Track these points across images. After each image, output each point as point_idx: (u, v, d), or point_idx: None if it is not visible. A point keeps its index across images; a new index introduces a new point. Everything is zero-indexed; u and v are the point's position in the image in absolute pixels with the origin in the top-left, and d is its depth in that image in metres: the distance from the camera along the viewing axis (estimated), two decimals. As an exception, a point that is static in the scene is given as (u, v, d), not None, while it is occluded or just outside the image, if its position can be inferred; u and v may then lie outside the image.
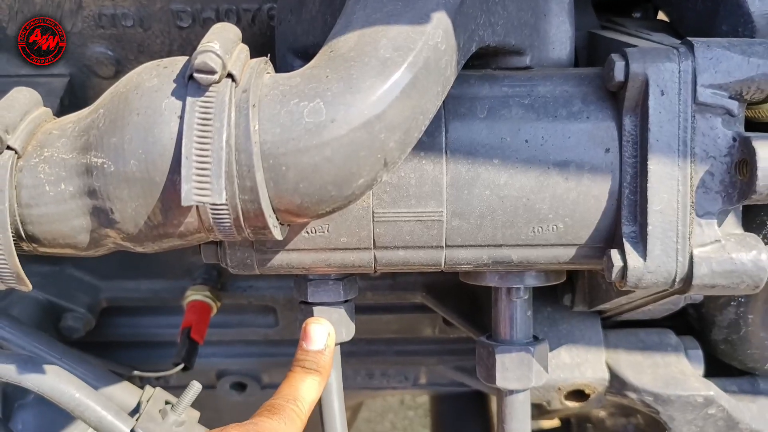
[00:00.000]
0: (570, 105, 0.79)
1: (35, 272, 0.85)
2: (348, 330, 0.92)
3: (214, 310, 1.19)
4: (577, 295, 1.00)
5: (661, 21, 1.02)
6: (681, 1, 0.90)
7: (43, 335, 0.96)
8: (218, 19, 1.00)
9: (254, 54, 1.02)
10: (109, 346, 1.32)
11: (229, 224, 0.61)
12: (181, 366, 1.09)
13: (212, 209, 0.59)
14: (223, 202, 0.57)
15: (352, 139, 0.61)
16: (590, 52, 0.96)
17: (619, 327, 1.09)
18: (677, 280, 0.76)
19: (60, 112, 1.02)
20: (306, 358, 0.82)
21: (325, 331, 0.85)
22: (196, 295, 1.18)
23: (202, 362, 1.30)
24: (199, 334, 1.14)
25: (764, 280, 0.76)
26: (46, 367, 0.81)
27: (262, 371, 1.38)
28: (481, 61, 0.83)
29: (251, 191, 0.59)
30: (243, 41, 1.01)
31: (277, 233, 0.64)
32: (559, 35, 0.85)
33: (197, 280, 1.21)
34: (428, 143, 0.77)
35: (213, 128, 0.57)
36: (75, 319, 1.20)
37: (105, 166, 0.59)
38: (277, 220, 0.64)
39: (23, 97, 0.65)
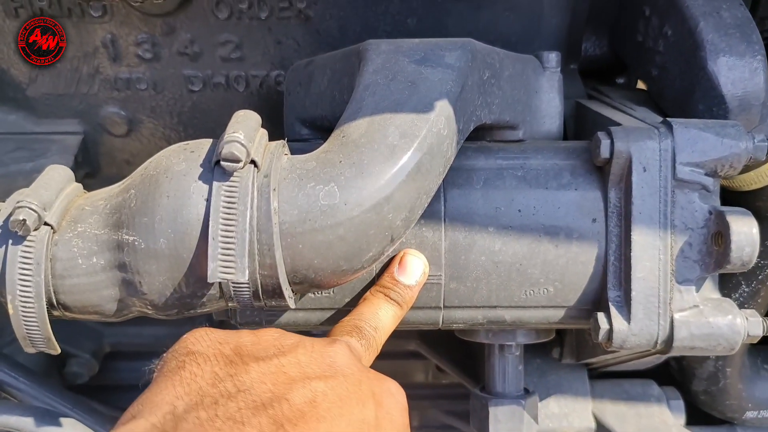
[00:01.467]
0: (560, 177, 0.85)
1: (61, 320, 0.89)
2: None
3: (216, 357, 1.23)
4: (566, 348, 1.06)
5: (643, 91, 1.09)
6: (661, 78, 0.97)
7: (54, 385, 0.99)
8: (228, 85, 1.06)
9: (262, 117, 1.08)
10: (112, 390, 1.35)
11: (248, 296, 0.66)
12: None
13: (234, 284, 0.65)
14: (246, 280, 0.62)
15: (363, 220, 0.66)
16: (577, 122, 1.03)
17: (604, 377, 1.14)
18: (659, 342, 0.82)
19: (74, 168, 1.08)
20: (394, 288, 0.78)
21: (422, 267, 0.80)
22: (198, 342, 1.22)
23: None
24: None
25: (739, 343, 0.82)
26: (62, 420, 0.85)
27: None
28: (477, 134, 0.89)
29: (270, 268, 0.65)
30: (251, 106, 1.09)
31: (292, 303, 0.69)
32: (550, 110, 0.92)
33: (200, 326, 1.25)
34: (428, 212, 0.82)
35: (238, 211, 0.62)
36: (80, 364, 1.23)
37: (136, 243, 0.64)
38: (292, 291, 0.69)
39: (58, 174, 0.70)
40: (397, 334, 1.28)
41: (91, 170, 1.13)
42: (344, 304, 0.85)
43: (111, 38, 1.02)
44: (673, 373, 1.15)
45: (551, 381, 1.10)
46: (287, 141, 0.94)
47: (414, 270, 0.79)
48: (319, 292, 0.84)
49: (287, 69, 1.03)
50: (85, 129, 1.10)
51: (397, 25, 1.02)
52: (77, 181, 1.11)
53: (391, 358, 1.34)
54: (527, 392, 0.98)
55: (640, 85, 1.18)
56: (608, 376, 1.13)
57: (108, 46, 1.03)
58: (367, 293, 0.78)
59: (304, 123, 0.92)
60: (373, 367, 1.34)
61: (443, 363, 1.26)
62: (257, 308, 0.83)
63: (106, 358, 1.30)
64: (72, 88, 1.06)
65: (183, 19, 1.01)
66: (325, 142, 0.92)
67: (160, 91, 1.07)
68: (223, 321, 1.26)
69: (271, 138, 1.10)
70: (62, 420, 0.84)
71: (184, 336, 0.60)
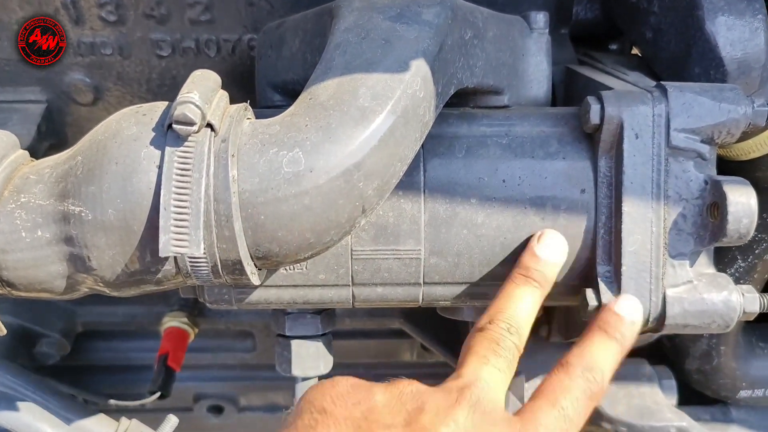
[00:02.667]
0: (547, 145, 0.80)
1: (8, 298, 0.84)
2: (326, 363, 0.93)
3: (192, 337, 1.19)
4: (554, 327, 1.01)
5: (636, 56, 1.03)
6: (655, 41, 0.91)
7: (16, 367, 0.95)
8: (198, 50, 1.00)
9: (235, 84, 1.03)
10: (85, 371, 1.31)
11: (207, 272, 0.61)
12: (158, 395, 1.08)
13: (190, 259, 0.59)
14: (201, 253, 0.57)
15: (330, 188, 0.61)
16: (567, 88, 0.97)
17: (594, 356, 1.10)
18: (650, 319, 0.78)
19: (37, 139, 1.02)
20: (534, 267, 0.74)
21: (564, 246, 0.76)
22: (173, 321, 1.18)
23: (178, 385, 1.28)
24: (176, 361, 1.13)
25: (735, 320, 0.77)
26: (20, 404, 0.80)
27: (239, 394, 1.38)
28: (459, 100, 0.84)
29: (229, 240, 0.60)
30: (222, 71, 1.02)
31: (255, 279, 0.64)
32: (537, 74, 0.87)
33: (174, 305, 1.21)
34: (407, 182, 0.77)
35: (192, 179, 0.57)
36: (49, 344, 1.18)
37: (82, 214, 0.59)
38: (255, 266, 0.64)
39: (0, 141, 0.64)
40: (379, 312, 1.26)
41: (57, 141, 1.07)
42: (318, 281, 0.81)
43: (72, -1, 0.96)
44: (666, 352, 1.11)
45: (539, 360, 1.05)
46: (259, 108, 0.89)
47: (557, 246, 0.75)
48: (291, 268, 0.79)
49: (260, 32, 0.97)
50: (48, 97, 1.04)
51: (376, -15, 0.96)
52: (42, 152, 1.07)
53: (375, 337, 1.30)
54: (513, 372, 0.93)
55: (635, 52, 1.13)
56: (598, 355, 1.09)
57: (69, 7, 0.97)
58: (505, 282, 0.74)
59: (276, 88, 0.87)
60: (357, 346, 1.31)
61: (428, 342, 1.22)
62: (224, 286, 0.79)
63: (79, 337, 1.26)
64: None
65: (148, -22, 0.95)
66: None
67: (127, 57, 1.01)
68: (192, 299, 1.23)
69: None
70: (20, 405, 0.80)
71: (326, 385, 0.62)
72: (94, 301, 1.24)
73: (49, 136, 1.05)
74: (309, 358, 0.90)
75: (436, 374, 1.34)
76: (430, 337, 1.23)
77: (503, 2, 0.98)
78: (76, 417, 0.91)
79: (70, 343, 1.22)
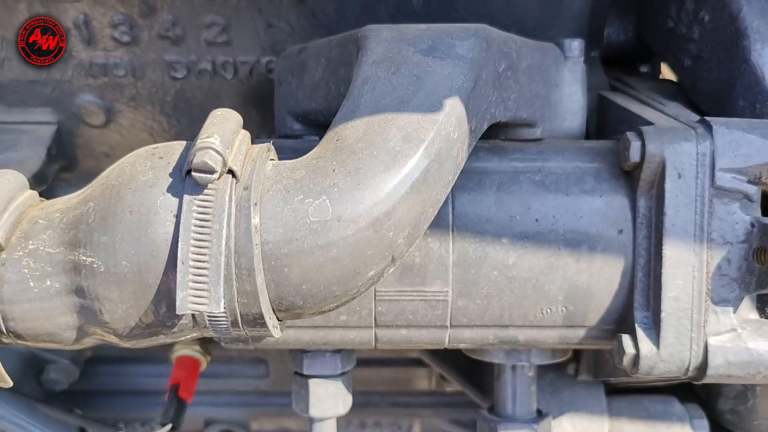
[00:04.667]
0: (582, 182, 0.75)
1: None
2: (345, 403, 0.89)
3: (204, 365, 1.15)
4: (582, 365, 0.97)
5: (671, 82, 0.99)
6: (695, 69, 0.87)
7: (21, 400, 0.91)
8: (214, 71, 0.97)
9: (252, 107, 0.99)
10: (94, 395, 1.27)
11: (226, 326, 0.57)
12: (169, 427, 1.04)
13: (209, 315, 0.55)
14: (221, 311, 0.53)
15: (359, 239, 0.57)
16: (600, 116, 0.93)
17: (622, 392, 1.05)
18: (691, 369, 0.73)
19: (47, 161, 0.99)
20: None
21: None
22: (185, 349, 1.14)
23: (189, 410, 1.25)
24: (188, 391, 1.09)
25: (782, 371, 0.73)
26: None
27: (251, 420, 1.34)
28: (490, 132, 0.79)
29: (251, 295, 0.56)
30: (240, 94, 0.99)
31: (277, 333, 0.60)
32: (571, 105, 0.83)
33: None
34: (435, 219, 0.73)
35: (211, 230, 0.53)
36: (58, 371, 1.15)
37: (94, 265, 0.55)
38: (278, 319, 0.60)
39: (7, 182, 0.60)
40: (398, 342, 1.22)
41: (67, 163, 1.04)
42: (340, 322, 0.77)
43: (84, 19, 0.93)
44: (697, 390, 1.07)
45: (565, 398, 1.01)
46: (278, 137, 0.85)
47: None
48: (312, 309, 0.75)
49: (279, 55, 0.93)
50: (59, 118, 1.01)
51: (400, 7, 0.92)
52: (52, 175, 1.03)
53: (392, 365, 1.26)
54: (540, 414, 0.89)
55: (666, 72, 1.08)
56: (626, 392, 1.05)
57: (81, 27, 0.93)
58: None
59: (297, 117, 0.83)
60: (373, 374, 1.27)
61: (446, 371, 1.18)
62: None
63: (88, 363, 1.22)
64: (43, 74, 0.96)
65: (164, -2, 0.91)
66: (319, 138, 0.84)
67: (140, 78, 0.97)
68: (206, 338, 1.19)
69: (262, 129, 1.02)
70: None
71: None
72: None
73: (60, 159, 1.01)
74: (327, 398, 0.87)
75: (454, 404, 1.30)
76: (448, 367, 1.18)
77: (534, 26, 0.93)
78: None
79: (79, 369, 1.18)
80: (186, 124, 1.00)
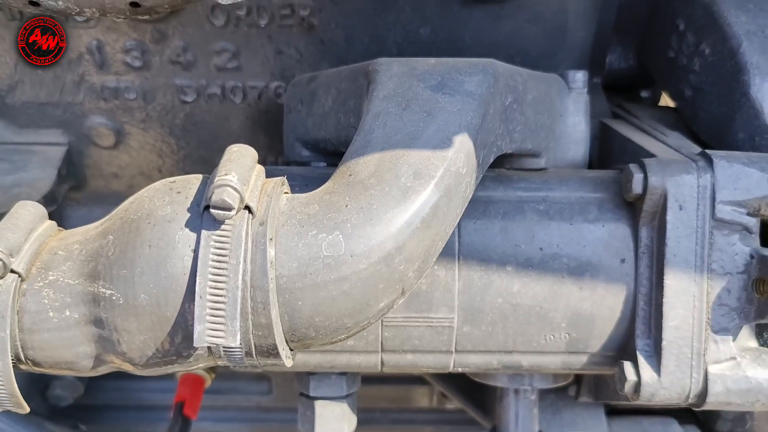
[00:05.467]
0: (586, 212, 0.77)
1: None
2: (350, 425, 0.90)
3: (209, 382, 1.16)
4: (583, 387, 0.99)
5: (672, 110, 1.00)
6: (695, 100, 0.89)
7: (29, 416, 0.92)
8: (224, 96, 0.98)
9: (261, 131, 1.01)
10: (98, 410, 1.28)
11: (240, 357, 0.59)
12: (174, 444, 1.06)
13: (225, 347, 0.57)
14: (238, 344, 0.54)
15: (371, 273, 0.58)
16: (602, 145, 0.95)
17: (622, 413, 1.07)
18: (691, 396, 0.75)
19: (57, 182, 1.00)
20: None
21: None
22: (190, 366, 1.15)
23: (193, 426, 1.26)
24: (193, 409, 1.10)
25: (779, 400, 0.75)
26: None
27: (253, 435, 1.35)
28: (495, 160, 0.81)
29: (265, 327, 0.57)
30: (249, 118, 1.01)
31: (289, 363, 0.61)
32: (575, 135, 0.84)
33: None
34: (441, 247, 0.75)
35: (229, 265, 0.55)
36: (63, 387, 1.16)
37: (114, 297, 0.57)
38: (290, 349, 0.61)
39: (28, 213, 0.62)
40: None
41: (77, 183, 1.05)
42: (347, 347, 0.78)
43: (97, 44, 0.94)
44: (696, 412, 1.08)
45: (566, 419, 1.03)
46: (286, 162, 0.87)
47: None
48: (320, 334, 0.77)
49: (288, 80, 0.95)
50: (69, 140, 1.02)
51: (408, 36, 0.94)
52: (62, 195, 1.05)
53: (393, 382, 1.27)
54: (542, 436, 0.91)
55: (665, 98, 1.10)
56: (626, 413, 1.06)
57: (94, 52, 0.95)
58: None
59: (306, 144, 0.84)
60: (375, 391, 1.29)
61: (447, 389, 1.19)
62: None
63: (93, 378, 1.22)
64: (55, 97, 0.98)
65: (175, 25, 0.93)
66: (326, 165, 0.85)
67: (150, 102, 0.99)
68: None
69: (269, 152, 1.03)
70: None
71: None
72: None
73: (69, 179, 1.03)
74: (333, 419, 0.88)
75: (455, 421, 1.31)
76: (450, 386, 1.19)
77: (538, 55, 0.95)
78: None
79: (84, 385, 1.20)
80: (195, 146, 1.02)
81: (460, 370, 0.81)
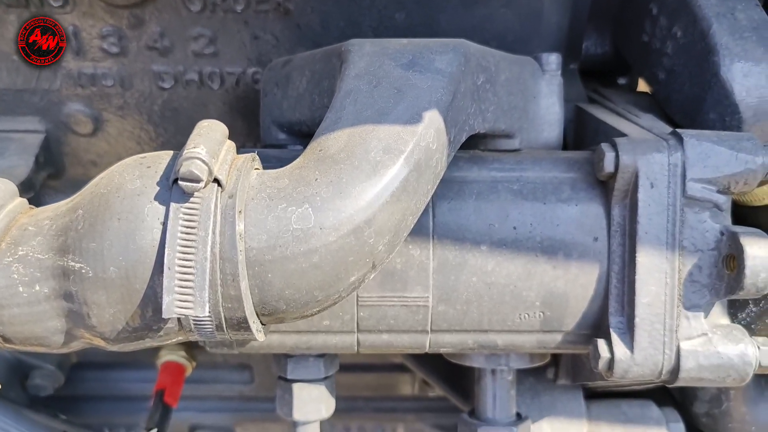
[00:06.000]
0: (559, 191, 0.78)
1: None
2: (328, 407, 0.91)
3: (189, 371, 1.16)
4: (561, 369, 0.99)
5: (648, 95, 1.01)
6: (668, 83, 0.90)
7: (8, 405, 0.92)
8: (201, 82, 0.98)
9: (238, 116, 1.01)
10: (79, 401, 1.28)
11: (210, 330, 0.59)
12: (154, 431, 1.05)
13: (194, 319, 0.57)
14: (206, 314, 0.55)
15: (341, 246, 0.59)
16: (577, 128, 0.95)
17: (601, 396, 1.07)
18: (664, 372, 0.76)
19: (35, 169, 1.00)
20: None
21: None
22: (170, 354, 1.15)
23: (174, 416, 1.25)
24: (173, 397, 1.10)
25: (750, 375, 0.75)
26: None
27: (236, 426, 1.35)
28: (469, 142, 0.81)
29: (235, 300, 0.57)
30: (227, 104, 1.01)
31: (261, 336, 0.61)
32: (549, 117, 0.85)
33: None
34: (415, 227, 0.75)
35: (197, 237, 0.55)
36: (43, 376, 1.15)
37: (83, 271, 0.57)
38: (261, 323, 0.62)
39: (-2, 190, 0.62)
40: (381, 348, 1.23)
41: (55, 171, 1.05)
42: (323, 327, 0.78)
43: (73, 30, 0.94)
44: (674, 394, 1.09)
45: (544, 402, 1.03)
46: (263, 146, 0.87)
47: None
48: (296, 314, 0.77)
49: (265, 66, 0.95)
50: (47, 127, 1.02)
51: (383, 21, 0.94)
52: (39, 183, 1.04)
53: (376, 370, 1.28)
54: (519, 417, 0.91)
55: (643, 85, 1.11)
56: (605, 396, 1.07)
57: (70, 38, 0.95)
58: None
59: (281, 127, 0.85)
60: (357, 379, 1.29)
61: (429, 376, 1.19)
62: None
63: (74, 368, 1.23)
64: (32, 83, 0.98)
65: (152, 10, 0.93)
66: (303, 148, 0.85)
67: (128, 88, 0.99)
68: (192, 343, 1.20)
69: (247, 138, 1.03)
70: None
71: None
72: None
73: (47, 167, 1.03)
74: (311, 402, 0.88)
75: (437, 409, 1.31)
76: (431, 372, 1.20)
77: (513, 39, 0.96)
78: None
79: (65, 375, 1.19)
80: (173, 132, 1.02)
81: (436, 350, 0.82)
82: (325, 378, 0.89)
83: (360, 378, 1.27)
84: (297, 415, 0.89)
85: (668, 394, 1.10)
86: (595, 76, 1.11)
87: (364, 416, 1.34)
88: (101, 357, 1.24)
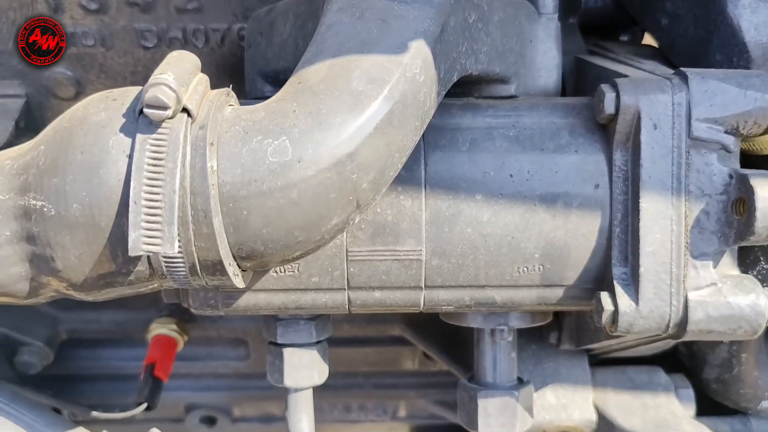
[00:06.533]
0: (557, 137, 0.74)
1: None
2: (321, 373, 0.87)
3: (181, 345, 1.13)
4: (564, 333, 0.96)
5: (650, 46, 0.97)
6: (671, 28, 0.86)
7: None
8: (185, 40, 0.95)
9: (225, 76, 0.97)
10: (69, 380, 1.25)
11: (184, 273, 0.55)
12: (144, 406, 1.02)
13: (164, 259, 0.53)
14: (176, 252, 0.51)
15: (321, 181, 0.55)
16: (578, 79, 0.91)
17: (607, 364, 1.04)
18: (671, 325, 0.72)
19: (15, 134, 0.97)
20: None
21: None
22: (161, 328, 1.12)
23: (169, 395, 1.23)
24: (164, 370, 1.07)
25: (763, 326, 0.72)
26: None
27: (233, 404, 1.32)
28: (463, 89, 0.78)
29: (208, 238, 0.54)
30: (212, 63, 0.97)
31: (239, 281, 0.58)
32: (546, 62, 0.81)
33: (163, 311, 1.15)
34: (406, 177, 0.72)
35: (165, 169, 0.51)
36: (31, 353, 1.12)
37: (45, 209, 0.53)
38: (239, 267, 0.58)
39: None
40: (379, 318, 1.20)
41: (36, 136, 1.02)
42: (311, 284, 0.75)
43: (51, -14, 0.91)
44: (682, 359, 1.05)
45: (548, 369, 1.00)
46: (249, 99, 0.83)
47: None
48: (282, 270, 0.73)
49: (251, 21, 0.92)
50: (27, 91, 0.99)
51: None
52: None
53: (375, 344, 1.24)
54: (521, 382, 0.88)
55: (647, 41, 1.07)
56: (611, 363, 1.03)
57: (47, -8, 0.91)
58: None
59: (266, 78, 0.81)
60: (356, 354, 1.25)
61: (430, 349, 1.16)
62: (209, 289, 0.73)
63: (63, 345, 1.20)
64: (9, 45, 0.94)
65: (132, -37, 0.90)
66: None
67: (110, 48, 0.96)
68: (175, 305, 1.17)
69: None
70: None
71: None
72: (78, 307, 1.18)
73: (28, 132, 0.99)
74: (302, 367, 0.85)
75: (438, 384, 1.28)
76: (432, 345, 1.17)
77: (509, -10, 0.92)
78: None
79: (54, 352, 1.16)
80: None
81: (432, 308, 0.78)
82: (318, 342, 0.86)
83: (359, 352, 1.24)
84: (288, 381, 0.85)
85: (677, 361, 1.06)
86: (596, 32, 1.07)
87: (365, 393, 1.31)
88: (91, 334, 1.21)
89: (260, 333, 1.22)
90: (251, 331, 1.22)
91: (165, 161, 0.51)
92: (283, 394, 0.89)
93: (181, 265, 0.54)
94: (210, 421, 1.34)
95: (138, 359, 1.21)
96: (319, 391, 0.90)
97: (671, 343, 0.97)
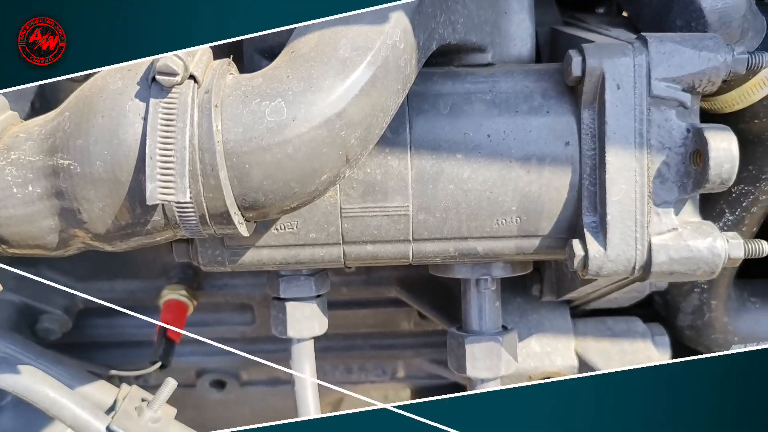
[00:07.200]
0: (530, 100, 0.81)
1: (10, 275, 0.86)
2: (321, 324, 0.94)
3: (191, 309, 1.20)
4: (545, 285, 1.03)
5: (622, 17, 1.04)
6: (638, -4, 0.92)
7: (18, 337, 0.96)
8: (187, 21, 1.01)
9: (224, 53, 1.04)
10: (87, 347, 1.32)
11: (195, 222, 0.63)
12: (158, 364, 1.10)
13: (177, 207, 0.61)
14: (188, 200, 0.59)
15: (313, 137, 0.62)
16: (552, 48, 0.98)
17: (587, 316, 1.11)
18: (637, 267, 0.79)
19: (31, 114, 1.03)
20: None
21: None
22: (172, 294, 1.19)
23: (180, 361, 1.30)
24: (176, 333, 1.14)
25: (720, 266, 0.78)
26: (21, 367, 0.82)
27: (240, 369, 1.39)
28: (444, 59, 0.85)
29: (215, 189, 0.61)
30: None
31: (243, 230, 0.65)
32: (520, 32, 0.88)
33: (173, 279, 1.22)
34: (393, 139, 0.79)
35: (176, 128, 0.59)
36: (51, 320, 1.20)
37: (71, 167, 0.61)
38: (243, 217, 0.65)
39: (-12, 102, 0.66)
40: (375, 281, 1.27)
41: (51, 117, 1.08)
42: (309, 240, 0.82)
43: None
44: (658, 309, 1.13)
45: (532, 320, 1.07)
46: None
47: None
48: (282, 228, 0.81)
49: None
50: None
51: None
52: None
53: (372, 306, 1.31)
54: (505, 329, 0.95)
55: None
56: (592, 315, 1.10)
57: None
58: None
59: (264, 54, 0.87)
60: (354, 317, 1.32)
61: (424, 308, 1.23)
62: (217, 243, 0.80)
63: (80, 314, 1.27)
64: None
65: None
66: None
67: (117, 31, 1.02)
68: (191, 273, 1.24)
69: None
70: (21, 368, 0.81)
71: None
72: (93, 277, 1.26)
73: (43, 112, 1.05)
74: (304, 319, 0.92)
75: (434, 344, 1.35)
76: (426, 304, 1.24)
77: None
78: (77, 383, 0.93)
79: (72, 320, 1.24)
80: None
81: (420, 260, 0.85)
82: (317, 296, 0.93)
83: (357, 315, 1.31)
84: (291, 332, 0.92)
85: (653, 311, 1.13)
86: (575, 6, 1.13)
87: (364, 354, 1.38)
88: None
89: (264, 299, 1.29)
90: (256, 297, 1.29)
91: (176, 122, 0.59)
92: (287, 357, 0.96)
93: (192, 213, 0.62)
94: (220, 385, 1.41)
95: (151, 327, 1.29)
96: (321, 353, 0.96)
97: (646, 292, 1.04)
